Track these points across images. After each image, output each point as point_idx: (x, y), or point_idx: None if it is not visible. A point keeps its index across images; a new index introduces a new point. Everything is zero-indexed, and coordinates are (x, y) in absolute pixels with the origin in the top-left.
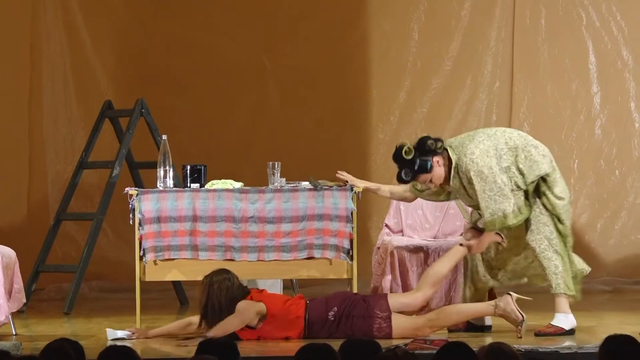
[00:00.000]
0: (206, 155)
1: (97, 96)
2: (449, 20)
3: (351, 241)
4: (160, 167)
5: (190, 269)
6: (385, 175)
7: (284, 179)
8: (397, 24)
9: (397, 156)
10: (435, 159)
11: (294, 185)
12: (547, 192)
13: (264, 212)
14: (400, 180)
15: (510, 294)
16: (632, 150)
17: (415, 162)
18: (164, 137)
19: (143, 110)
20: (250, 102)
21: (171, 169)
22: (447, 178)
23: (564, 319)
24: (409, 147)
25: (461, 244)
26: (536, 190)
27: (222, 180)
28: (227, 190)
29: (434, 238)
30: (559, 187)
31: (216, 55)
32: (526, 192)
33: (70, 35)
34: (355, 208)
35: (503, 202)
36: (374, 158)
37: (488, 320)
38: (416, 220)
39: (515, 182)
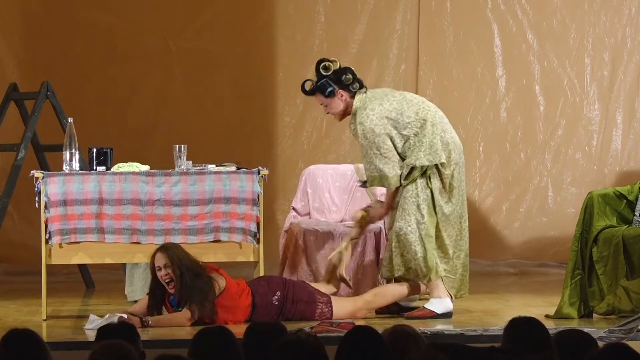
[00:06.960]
0: (112, 138)
1: (2, 79)
2: (355, 4)
3: (258, 224)
4: (66, 150)
5: (96, 252)
6: (292, 158)
7: (190, 162)
8: (303, 6)
9: (317, 65)
10: (341, 92)
11: (201, 168)
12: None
13: (171, 195)
14: (302, 89)
15: None
16: (537, 133)
17: (323, 80)
18: (70, 119)
19: (49, 92)
20: (156, 85)
21: (77, 152)
22: (342, 116)
23: (438, 303)
24: (329, 65)
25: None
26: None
27: (129, 163)
28: (134, 173)
29: (341, 221)
30: (448, 195)
31: (121, 38)
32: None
33: None
34: (261, 191)
35: (386, 164)
36: (280, 141)
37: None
38: (323, 203)
39: (404, 154)
